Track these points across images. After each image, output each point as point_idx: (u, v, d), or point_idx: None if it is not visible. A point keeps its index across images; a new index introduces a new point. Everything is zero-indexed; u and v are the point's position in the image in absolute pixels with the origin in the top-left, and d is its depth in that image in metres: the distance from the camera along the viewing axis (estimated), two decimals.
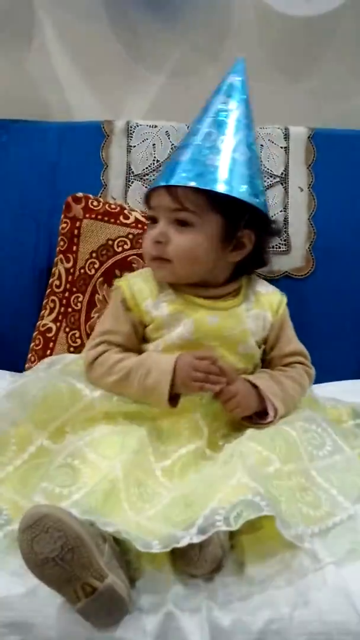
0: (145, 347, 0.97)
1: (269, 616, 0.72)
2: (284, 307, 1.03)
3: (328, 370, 1.22)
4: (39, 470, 0.84)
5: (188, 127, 1.29)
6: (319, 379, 1.17)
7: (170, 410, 0.90)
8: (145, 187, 1.31)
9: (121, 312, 0.97)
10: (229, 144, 0.96)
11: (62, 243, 1.23)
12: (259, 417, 0.94)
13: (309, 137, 1.33)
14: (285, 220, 1.32)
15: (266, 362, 1.02)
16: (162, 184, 0.95)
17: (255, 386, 0.94)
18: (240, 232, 0.96)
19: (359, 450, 0.96)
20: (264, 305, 1.01)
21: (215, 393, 0.90)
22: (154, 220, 0.97)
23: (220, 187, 0.93)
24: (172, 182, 0.94)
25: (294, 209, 1.32)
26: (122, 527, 0.73)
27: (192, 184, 0.93)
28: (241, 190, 0.95)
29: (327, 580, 0.75)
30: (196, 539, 0.72)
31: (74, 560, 0.69)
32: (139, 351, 0.97)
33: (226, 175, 0.94)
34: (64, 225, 1.23)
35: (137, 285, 0.98)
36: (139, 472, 0.83)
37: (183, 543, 0.71)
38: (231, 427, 0.94)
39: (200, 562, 0.73)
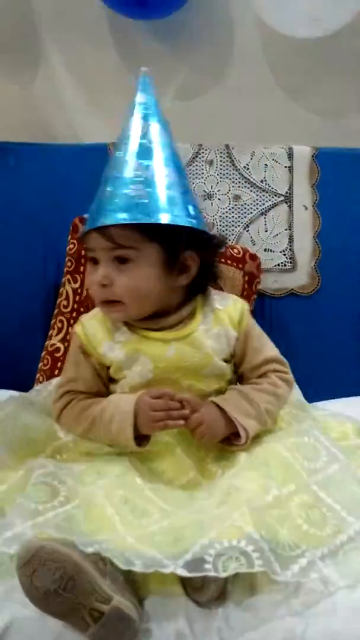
0: (113, 388, 0.96)
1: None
2: (246, 316, 0.99)
3: (333, 386, 1.24)
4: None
5: (195, 147, 1.31)
6: (323, 396, 1.19)
7: (149, 453, 0.90)
8: None
9: (80, 359, 0.96)
10: (152, 170, 0.91)
11: (69, 263, 1.24)
12: (234, 437, 0.91)
13: (312, 157, 1.34)
14: (290, 238, 1.33)
15: (239, 376, 1.00)
16: (92, 226, 0.91)
17: (223, 410, 0.91)
18: (182, 255, 0.93)
19: None
20: (224, 321, 0.97)
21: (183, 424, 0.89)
22: (94, 261, 0.93)
23: (153, 218, 0.89)
24: (102, 222, 0.89)
25: (298, 227, 1.33)
26: (105, 545, 0.72)
27: (122, 220, 0.88)
28: (174, 215, 0.90)
29: (338, 602, 0.75)
30: (180, 572, 0.70)
31: (76, 589, 0.68)
32: (106, 393, 0.96)
33: (156, 204, 0.90)
34: (71, 246, 1.24)
35: (92, 328, 0.96)
36: (122, 491, 0.82)
37: (166, 571, 0.70)
38: (221, 448, 0.92)
39: (204, 589, 0.73)
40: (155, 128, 0.94)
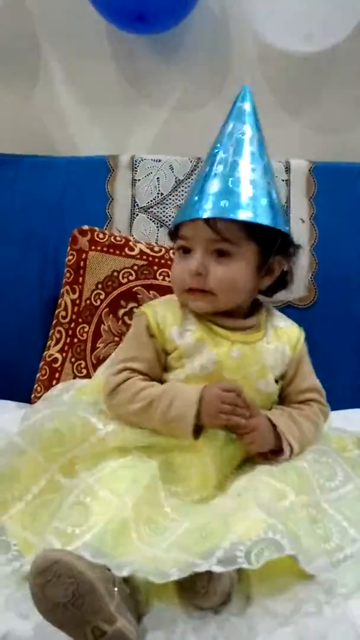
0: (166, 376, 0.95)
1: None
2: (302, 341, 1.02)
3: (331, 399, 1.23)
4: (49, 507, 0.84)
5: (194, 160, 1.32)
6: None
7: (182, 446, 0.90)
8: (151, 219, 1.34)
9: (145, 339, 0.95)
10: (255, 172, 0.95)
11: (68, 275, 1.25)
12: (272, 454, 0.92)
13: (309, 170, 1.36)
14: None
15: (282, 397, 1.00)
16: (201, 216, 0.92)
17: (273, 424, 0.92)
18: (272, 258, 0.98)
19: None
20: (282, 339, 0.99)
21: (234, 426, 0.89)
22: (185, 251, 0.95)
23: (260, 219, 0.93)
24: (212, 215, 0.92)
25: (296, 240, 1.33)
26: (137, 565, 0.72)
27: (233, 216, 0.92)
28: (275, 220, 0.95)
29: (338, 614, 0.75)
30: (216, 569, 0.71)
31: (84, 606, 0.69)
32: (161, 380, 0.95)
33: (262, 206, 0.94)
34: (70, 257, 1.25)
35: (162, 312, 0.97)
36: (148, 509, 0.82)
37: (202, 569, 0.71)
38: (242, 472, 0.92)
39: (209, 594, 0.73)
40: (253, 132, 0.99)
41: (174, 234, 0.99)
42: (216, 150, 0.98)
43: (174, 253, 1.02)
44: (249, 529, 0.75)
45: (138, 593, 0.74)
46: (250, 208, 0.93)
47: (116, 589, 0.72)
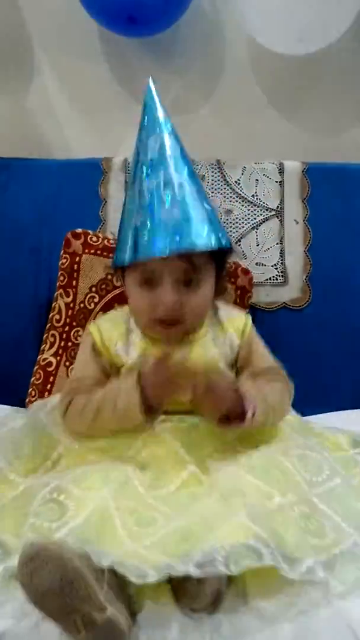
0: None
1: None
2: (250, 325, 1.05)
3: (325, 399, 1.25)
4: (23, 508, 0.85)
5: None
6: (316, 409, 1.19)
7: (146, 442, 0.91)
8: None
9: (90, 358, 0.99)
10: (194, 189, 0.95)
11: (62, 278, 1.24)
12: (235, 420, 0.91)
13: (303, 172, 1.36)
14: (282, 252, 1.34)
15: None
16: (174, 251, 0.91)
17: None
18: (223, 273, 1.01)
19: None
20: (229, 330, 1.03)
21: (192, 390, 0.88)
22: (149, 283, 0.94)
23: (224, 240, 0.96)
24: (184, 248, 0.91)
25: (290, 241, 1.34)
26: (118, 558, 0.73)
27: (202, 246, 0.92)
28: (225, 237, 0.97)
29: (332, 614, 0.75)
30: (193, 572, 0.71)
31: (73, 593, 0.69)
32: None
33: (215, 226, 0.96)
34: (64, 260, 1.25)
35: (106, 329, 1.00)
36: (128, 501, 0.82)
37: (178, 572, 0.71)
38: (219, 454, 0.93)
39: (200, 595, 0.73)
40: (178, 146, 0.98)
41: (123, 266, 0.97)
42: (147, 171, 0.95)
43: (117, 280, 1.02)
44: (231, 533, 0.75)
45: (129, 587, 0.74)
46: (211, 232, 0.94)
47: (106, 578, 0.72)
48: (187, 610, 0.74)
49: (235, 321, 1.05)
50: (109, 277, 1.23)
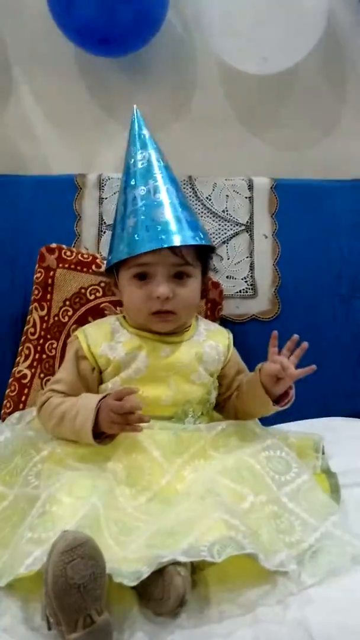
0: (105, 386, 1.03)
1: None
2: (232, 342, 1.13)
3: (294, 409, 1.27)
4: (10, 520, 0.88)
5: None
6: (285, 418, 1.22)
7: (127, 448, 0.95)
8: None
9: (71, 362, 1.05)
10: (182, 199, 1.07)
11: (36, 292, 1.28)
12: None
13: (271, 188, 1.40)
14: (251, 266, 1.38)
15: (227, 391, 1.11)
16: (169, 244, 1.00)
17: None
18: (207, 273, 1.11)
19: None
20: (216, 338, 1.10)
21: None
22: (143, 277, 1.02)
23: (204, 239, 1.06)
24: (178, 242, 1.01)
25: (259, 255, 1.38)
26: (112, 564, 0.76)
27: (192, 242, 1.03)
28: (208, 237, 1.09)
29: (291, 620, 0.78)
30: (181, 559, 0.76)
31: (92, 591, 0.72)
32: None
33: (199, 226, 1.07)
34: (38, 274, 1.28)
35: (92, 333, 1.06)
36: (113, 512, 0.86)
37: (167, 559, 0.75)
38: (196, 459, 0.98)
39: (164, 599, 0.76)
40: (162, 160, 1.09)
41: (117, 263, 1.05)
42: (139, 179, 1.06)
43: (109, 288, 1.11)
44: (211, 528, 0.80)
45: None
46: (197, 231, 1.04)
47: None
48: (151, 614, 0.78)
49: (221, 335, 1.12)
50: (82, 290, 1.26)
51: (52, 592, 0.72)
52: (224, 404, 1.11)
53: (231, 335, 1.13)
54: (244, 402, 1.08)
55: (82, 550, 0.73)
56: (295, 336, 1.01)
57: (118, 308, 1.25)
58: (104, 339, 1.05)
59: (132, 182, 1.06)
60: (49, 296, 1.27)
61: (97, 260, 1.28)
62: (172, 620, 0.77)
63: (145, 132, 1.11)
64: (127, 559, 0.78)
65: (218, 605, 0.78)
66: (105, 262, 1.14)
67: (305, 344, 1.01)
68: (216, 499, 0.87)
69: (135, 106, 1.15)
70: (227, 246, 1.39)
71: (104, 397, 0.96)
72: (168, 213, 1.03)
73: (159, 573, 0.77)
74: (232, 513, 0.84)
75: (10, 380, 1.26)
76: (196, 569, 0.81)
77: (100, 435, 0.94)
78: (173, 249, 1.01)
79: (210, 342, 1.08)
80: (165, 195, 1.04)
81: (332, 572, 0.83)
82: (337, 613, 0.79)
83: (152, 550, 0.78)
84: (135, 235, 1.01)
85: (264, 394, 1.02)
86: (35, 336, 1.26)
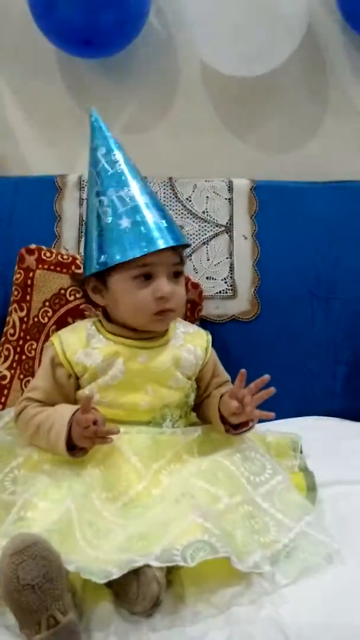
0: (82, 392, 1.02)
1: None
2: (210, 345, 1.12)
3: (273, 408, 1.28)
4: None
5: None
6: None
7: (105, 452, 0.96)
8: None
9: (47, 369, 1.04)
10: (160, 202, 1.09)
11: (16, 293, 1.28)
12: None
13: (251, 189, 1.41)
14: (231, 266, 1.39)
15: (204, 391, 1.11)
16: (167, 245, 1.01)
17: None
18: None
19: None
20: (194, 342, 1.09)
21: None
22: (147, 277, 1.01)
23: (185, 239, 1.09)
24: (174, 243, 1.03)
25: (239, 256, 1.39)
26: (82, 564, 0.77)
27: (183, 241, 1.06)
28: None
29: (266, 619, 0.79)
30: (154, 564, 0.77)
31: (49, 591, 0.73)
32: (66, 403, 1.02)
33: (178, 227, 1.08)
34: (18, 275, 1.28)
35: (67, 339, 1.04)
36: (87, 514, 0.87)
37: (139, 564, 0.76)
38: (172, 464, 0.98)
39: (139, 599, 0.77)
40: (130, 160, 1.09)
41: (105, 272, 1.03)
42: (137, 180, 1.06)
43: (94, 288, 1.07)
44: (185, 532, 0.81)
45: (77, 596, 0.78)
46: (180, 231, 1.07)
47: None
48: (126, 614, 0.79)
49: (199, 337, 1.11)
50: (62, 291, 1.27)
51: (7, 595, 0.73)
52: (200, 407, 1.11)
53: (210, 337, 1.13)
54: (206, 417, 1.09)
55: (32, 551, 0.73)
56: (267, 376, 0.99)
57: (98, 309, 1.25)
58: (79, 345, 1.04)
59: (114, 184, 1.05)
60: (28, 297, 1.27)
61: (77, 261, 1.29)
62: (146, 620, 0.78)
63: (110, 133, 1.12)
64: (98, 559, 0.79)
65: (192, 606, 0.79)
66: (85, 266, 1.10)
67: (272, 390, 0.99)
68: (190, 502, 0.88)
69: (93, 108, 1.14)
70: (207, 247, 1.40)
71: (77, 410, 0.95)
72: (159, 213, 1.04)
73: (134, 573, 0.78)
74: (206, 515, 0.84)
75: None
76: (172, 569, 0.81)
77: (75, 447, 0.94)
78: (173, 248, 1.02)
79: (189, 346, 1.08)
80: (149, 196, 1.05)
81: (306, 571, 0.84)
82: (311, 612, 0.80)
83: (125, 554, 0.79)
84: (136, 235, 1.01)
85: (218, 422, 1.02)
86: (15, 337, 1.26)
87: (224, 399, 1.02)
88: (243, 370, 1.00)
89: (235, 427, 1.02)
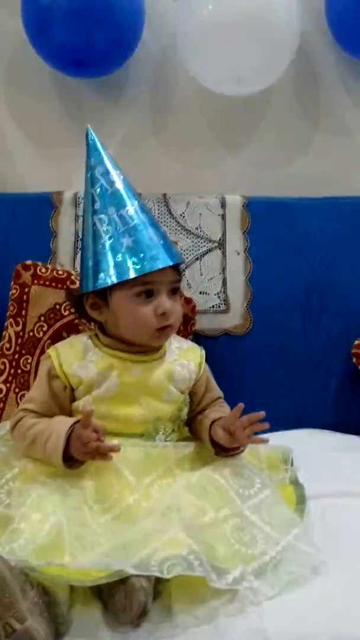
0: (77, 404, 1.05)
1: None
2: (204, 360, 1.14)
3: (264, 420, 1.30)
4: None
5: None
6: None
7: (101, 468, 0.97)
8: None
9: (43, 381, 1.06)
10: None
11: (12, 308, 1.30)
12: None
13: (243, 205, 1.44)
14: (224, 281, 1.42)
15: (196, 406, 1.12)
16: (168, 263, 1.03)
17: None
18: None
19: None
20: (188, 357, 1.11)
21: None
22: (149, 294, 1.03)
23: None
24: (175, 261, 1.05)
25: (231, 271, 1.42)
26: (59, 572, 0.79)
27: (179, 260, 1.07)
28: None
29: (248, 627, 0.80)
30: (131, 571, 0.78)
31: None
32: (62, 415, 1.04)
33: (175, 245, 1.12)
34: (14, 291, 1.30)
35: (64, 352, 1.07)
36: (77, 527, 0.89)
37: (116, 568, 0.78)
38: (165, 480, 1.00)
39: (126, 609, 0.79)
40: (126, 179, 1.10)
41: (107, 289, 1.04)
42: (134, 199, 1.07)
43: (93, 305, 1.08)
44: (165, 545, 0.82)
45: (57, 606, 0.79)
46: (177, 248, 1.11)
47: (34, 592, 0.77)
48: (114, 624, 0.80)
49: (193, 353, 1.13)
50: (57, 306, 1.29)
51: None
52: (192, 422, 1.12)
53: (204, 353, 1.14)
54: (197, 435, 1.10)
55: None
56: (262, 413, 0.99)
57: (92, 323, 1.27)
58: (75, 357, 1.06)
59: (116, 202, 1.06)
60: (24, 312, 1.29)
61: (72, 277, 1.31)
62: (133, 631, 0.79)
63: (106, 151, 1.12)
64: (79, 570, 0.81)
65: (179, 616, 0.81)
66: (83, 283, 1.09)
67: (266, 425, 1.00)
68: (176, 515, 0.89)
69: (88, 126, 1.15)
70: (200, 262, 1.42)
71: (75, 423, 0.97)
72: (158, 232, 1.06)
73: (122, 583, 0.79)
74: (189, 530, 0.86)
75: None
76: (160, 580, 0.83)
77: (72, 458, 0.96)
78: (173, 266, 1.05)
79: (182, 360, 1.10)
80: (148, 215, 1.08)
81: (292, 583, 0.86)
82: (295, 622, 0.81)
83: (105, 560, 0.81)
84: (141, 254, 1.03)
85: (209, 445, 1.04)
86: (11, 351, 1.28)
87: (215, 427, 1.04)
88: (241, 404, 1.00)
89: (225, 449, 1.03)
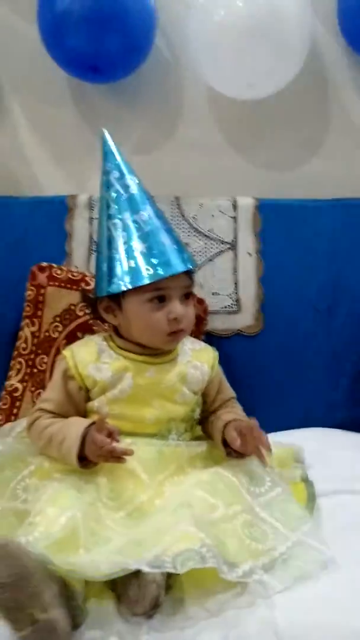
0: (92, 404, 1.07)
1: None
2: (217, 361, 1.15)
3: (276, 420, 1.32)
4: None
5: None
6: (267, 429, 1.27)
7: (115, 467, 0.99)
8: None
9: (58, 382, 1.08)
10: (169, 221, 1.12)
11: (28, 309, 1.33)
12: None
13: (255, 207, 1.45)
14: (236, 282, 1.43)
15: (209, 406, 1.14)
16: (181, 270, 1.05)
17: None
18: None
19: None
20: (201, 359, 1.13)
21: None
22: (162, 299, 1.05)
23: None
24: (189, 266, 1.07)
25: (243, 272, 1.44)
26: (78, 566, 0.81)
27: (192, 265, 1.09)
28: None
29: (259, 621, 0.82)
30: (145, 569, 0.80)
31: (22, 590, 0.77)
32: (77, 414, 1.07)
33: (187, 250, 1.13)
34: (30, 292, 1.33)
35: (79, 353, 1.08)
36: (92, 522, 0.91)
37: (131, 568, 0.80)
38: (176, 476, 1.02)
39: (139, 601, 0.81)
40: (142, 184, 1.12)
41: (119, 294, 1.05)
42: (149, 205, 1.09)
43: (107, 308, 1.10)
44: (178, 540, 0.84)
45: (74, 598, 0.82)
46: (190, 253, 1.11)
47: (56, 586, 0.80)
48: (127, 615, 0.82)
49: (207, 354, 1.15)
50: (72, 307, 1.31)
51: None
52: (205, 422, 1.14)
53: (217, 354, 1.16)
54: (210, 435, 1.12)
55: (3, 552, 0.79)
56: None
57: (105, 324, 1.30)
58: (90, 359, 1.07)
59: (130, 207, 1.07)
60: (39, 313, 1.32)
61: (87, 278, 1.34)
62: (146, 622, 0.81)
63: (122, 156, 1.13)
64: (94, 561, 0.83)
65: (190, 608, 0.83)
66: (97, 286, 1.11)
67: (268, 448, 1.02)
68: (187, 511, 0.91)
69: (104, 130, 1.17)
70: (212, 264, 1.44)
71: (90, 425, 0.99)
72: (172, 237, 1.08)
73: (135, 576, 0.82)
74: (200, 525, 0.88)
75: (3, 393, 1.31)
76: (172, 573, 0.84)
77: (86, 459, 0.98)
78: (185, 271, 1.06)
79: (195, 362, 1.11)
80: (162, 220, 1.09)
81: (302, 577, 0.87)
82: (305, 614, 0.83)
83: (119, 557, 0.83)
84: (154, 260, 1.04)
85: (221, 445, 1.06)
86: (27, 351, 1.31)
87: (228, 429, 1.05)
88: (255, 422, 1.02)
89: (237, 451, 1.05)
